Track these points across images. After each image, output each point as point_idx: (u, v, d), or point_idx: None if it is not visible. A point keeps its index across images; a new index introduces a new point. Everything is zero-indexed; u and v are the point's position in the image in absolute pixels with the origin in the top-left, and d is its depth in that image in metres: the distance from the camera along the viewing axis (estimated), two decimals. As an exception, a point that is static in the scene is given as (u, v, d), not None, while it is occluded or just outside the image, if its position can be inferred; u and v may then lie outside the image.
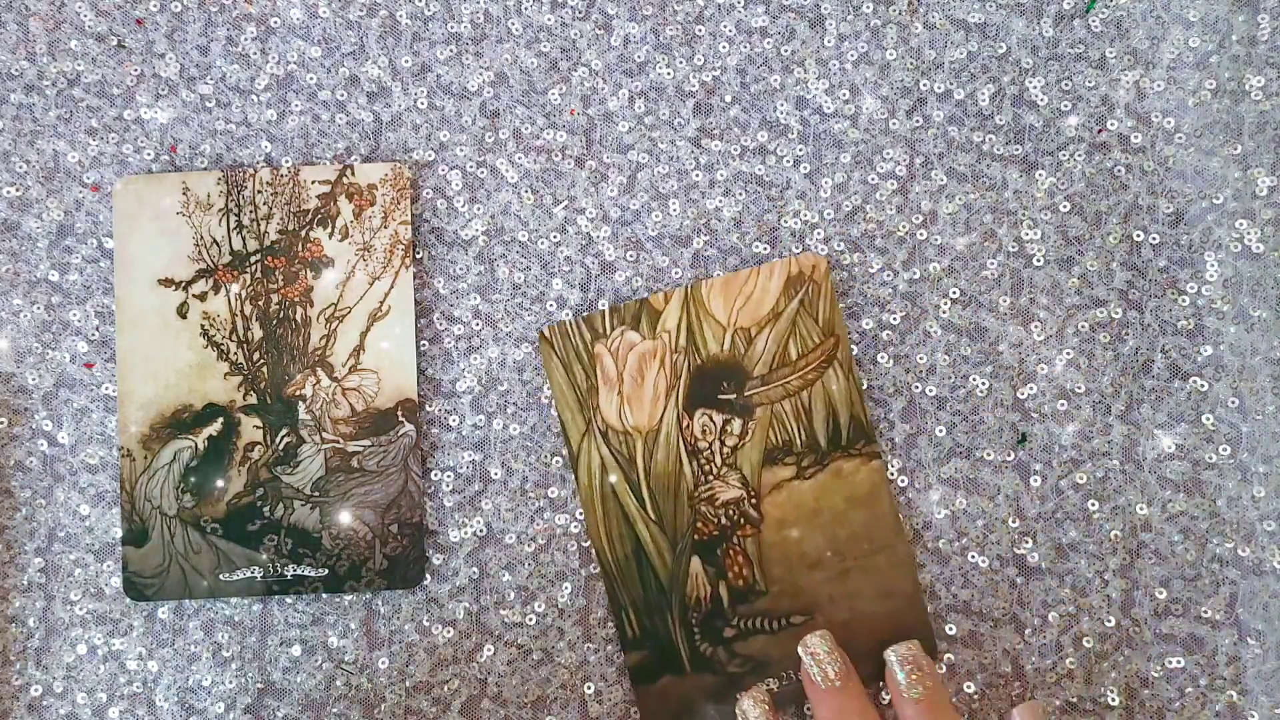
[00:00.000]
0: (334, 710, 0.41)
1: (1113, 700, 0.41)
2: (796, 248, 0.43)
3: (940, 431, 0.42)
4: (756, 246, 0.43)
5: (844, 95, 0.43)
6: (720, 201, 0.43)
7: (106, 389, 0.42)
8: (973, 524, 0.42)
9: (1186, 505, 0.42)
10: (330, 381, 0.41)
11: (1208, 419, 0.42)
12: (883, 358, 0.42)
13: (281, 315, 0.41)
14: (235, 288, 0.41)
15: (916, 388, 0.42)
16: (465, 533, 0.42)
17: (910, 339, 0.42)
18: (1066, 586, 0.42)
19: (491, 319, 0.42)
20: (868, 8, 0.43)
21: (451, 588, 0.42)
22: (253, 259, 0.42)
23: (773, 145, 0.43)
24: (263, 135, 0.43)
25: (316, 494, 0.41)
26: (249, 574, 0.41)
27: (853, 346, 0.42)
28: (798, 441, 0.41)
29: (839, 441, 0.41)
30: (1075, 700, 0.41)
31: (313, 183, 0.42)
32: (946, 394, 0.42)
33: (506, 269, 0.43)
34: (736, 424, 0.41)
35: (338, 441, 0.41)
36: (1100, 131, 0.43)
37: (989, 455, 0.42)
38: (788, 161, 0.43)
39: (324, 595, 0.42)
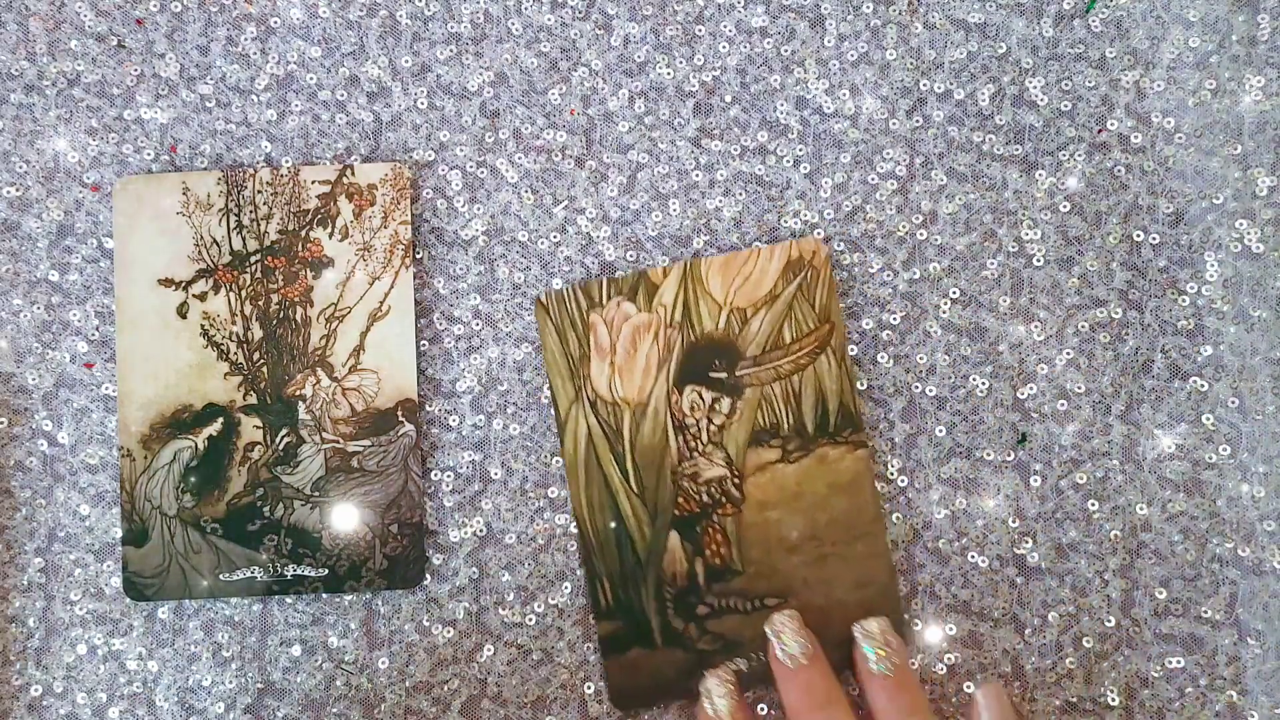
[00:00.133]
0: (334, 710, 0.41)
1: (1113, 700, 0.41)
2: (796, 248, 0.43)
3: (940, 431, 0.42)
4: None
5: (844, 95, 0.43)
6: (720, 201, 0.43)
7: (106, 389, 0.42)
8: (973, 524, 0.42)
9: (1186, 505, 0.42)
10: (330, 381, 0.41)
11: (1208, 419, 0.42)
12: (883, 358, 0.42)
13: (281, 315, 0.41)
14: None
15: (916, 388, 0.42)
16: (465, 533, 0.42)
17: (910, 339, 0.42)
18: (1066, 586, 0.42)
19: (491, 319, 0.42)
20: (868, 8, 0.43)
21: (451, 588, 0.42)
22: (253, 259, 0.42)
23: (773, 145, 0.43)
24: (263, 135, 0.43)
25: (316, 494, 0.41)
26: (249, 574, 0.41)
27: (853, 347, 0.42)
28: (785, 425, 0.41)
29: (826, 428, 0.41)
30: (1075, 700, 0.41)
31: (313, 183, 0.42)
32: (946, 394, 0.42)
33: (506, 269, 0.43)
34: (725, 403, 0.41)
35: (338, 441, 0.41)
36: (1100, 131, 0.43)
37: (989, 455, 0.42)
38: (788, 161, 0.43)
39: (324, 595, 0.42)
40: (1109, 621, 0.42)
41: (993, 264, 0.43)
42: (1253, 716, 0.41)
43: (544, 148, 0.43)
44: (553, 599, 0.42)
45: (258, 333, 0.41)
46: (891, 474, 0.42)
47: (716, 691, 0.39)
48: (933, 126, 0.43)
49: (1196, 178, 0.42)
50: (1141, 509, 0.42)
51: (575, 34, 0.43)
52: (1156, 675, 0.41)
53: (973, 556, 0.42)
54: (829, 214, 0.43)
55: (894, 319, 0.43)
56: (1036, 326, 0.42)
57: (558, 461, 0.42)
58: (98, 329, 0.42)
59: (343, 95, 0.43)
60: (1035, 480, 0.42)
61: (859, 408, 0.41)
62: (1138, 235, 0.42)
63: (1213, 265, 0.42)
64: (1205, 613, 0.41)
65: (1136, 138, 0.43)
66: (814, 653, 0.39)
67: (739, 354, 0.41)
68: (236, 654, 0.41)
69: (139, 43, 0.43)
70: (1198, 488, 0.42)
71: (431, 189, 0.43)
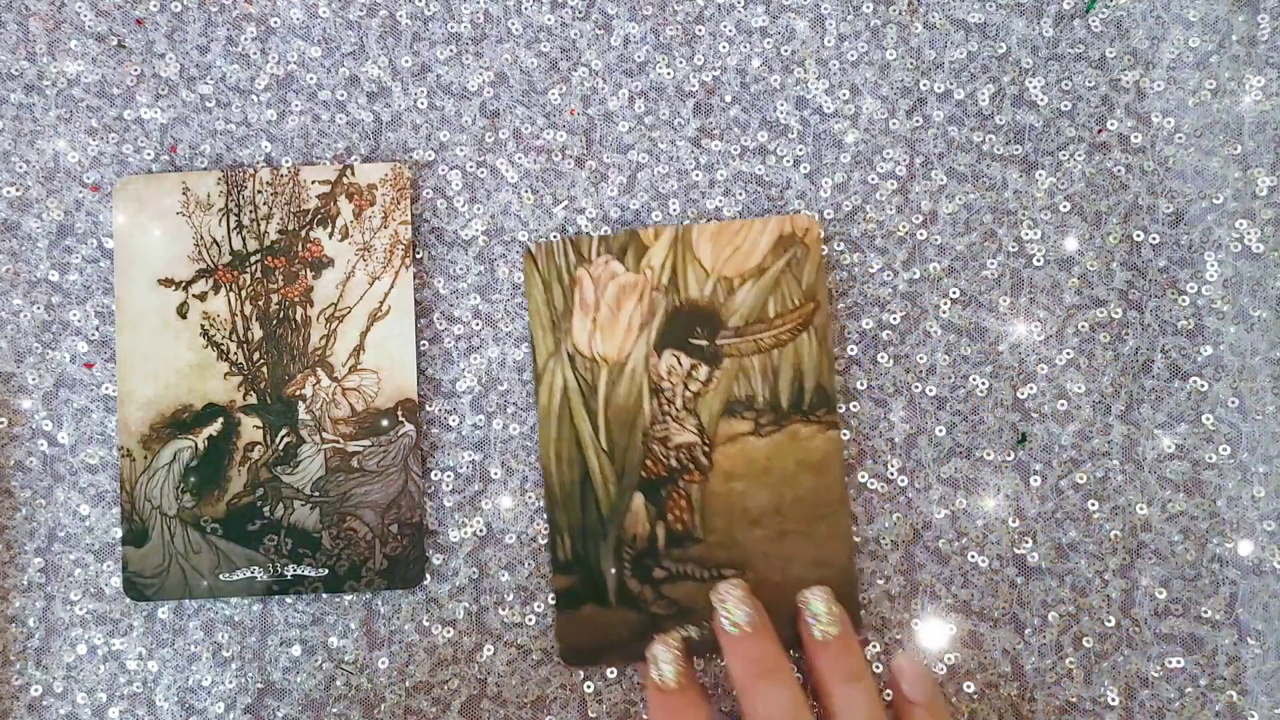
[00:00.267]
0: (334, 710, 0.41)
1: (1113, 700, 0.41)
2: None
3: (940, 431, 0.42)
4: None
5: (844, 95, 0.43)
6: (720, 201, 0.43)
7: (106, 389, 0.42)
8: (973, 524, 0.42)
9: (1186, 505, 0.42)
10: (330, 381, 0.41)
11: (1208, 419, 0.42)
12: (883, 358, 0.42)
13: (281, 315, 0.41)
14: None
15: (916, 388, 0.42)
16: (465, 533, 0.42)
17: (910, 339, 0.42)
18: (1066, 586, 0.42)
19: (491, 319, 0.42)
20: (868, 8, 0.43)
21: (451, 588, 0.42)
22: (253, 259, 0.42)
23: (773, 145, 0.43)
24: (263, 135, 0.43)
25: (316, 494, 0.41)
26: (249, 574, 0.41)
27: (853, 347, 0.42)
28: (760, 398, 0.41)
29: (800, 405, 0.41)
30: (1075, 700, 0.41)
31: (313, 183, 0.42)
32: (946, 394, 0.42)
33: (506, 269, 0.43)
34: (703, 370, 0.41)
35: (338, 441, 0.41)
36: (1100, 131, 0.43)
37: (989, 455, 0.42)
38: (788, 161, 0.43)
39: (324, 595, 0.42)
40: (1109, 621, 0.42)
41: (993, 264, 0.43)
42: (1253, 716, 0.41)
43: (544, 148, 0.43)
44: (553, 599, 0.42)
45: (258, 333, 0.41)
46: (891, 474, 0.42)
47: (663, 658, 0.39)
48: (933, 126, 0.43)
49: (1196, 178, 0.42)
50: (1141, 509, 0.42)
51: (575, 34, 0.43)
52: (1156, 675, 0.41)
53: (973, 556, 0.42)
54: (829, 214, 0.43)
55: (894, 319, 0.43)
56: (1036, 326, 0.42)
57: (558, 461, 0.42)
58: (98, 329, 0.42)
59: (343, 95, 0.43)
60: (1035, 480, 0.42)
61: (835, 388, 0.41)
62: (1138, 235, 0.42)
63: (1213, 265, 0.42)
64: (1205, 613, 0.41)
65: (1136, 138, 0.43)
66: (759, 622, 0.39)
67: (721, 323, 0.41)
68: (236, 654, 0.41)
69: (139, 43, 0.43)
70: (1198, 488, 0.42)
71: (431, 189, 0.43)
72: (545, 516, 0.41)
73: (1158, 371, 0.42)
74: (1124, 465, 0.42)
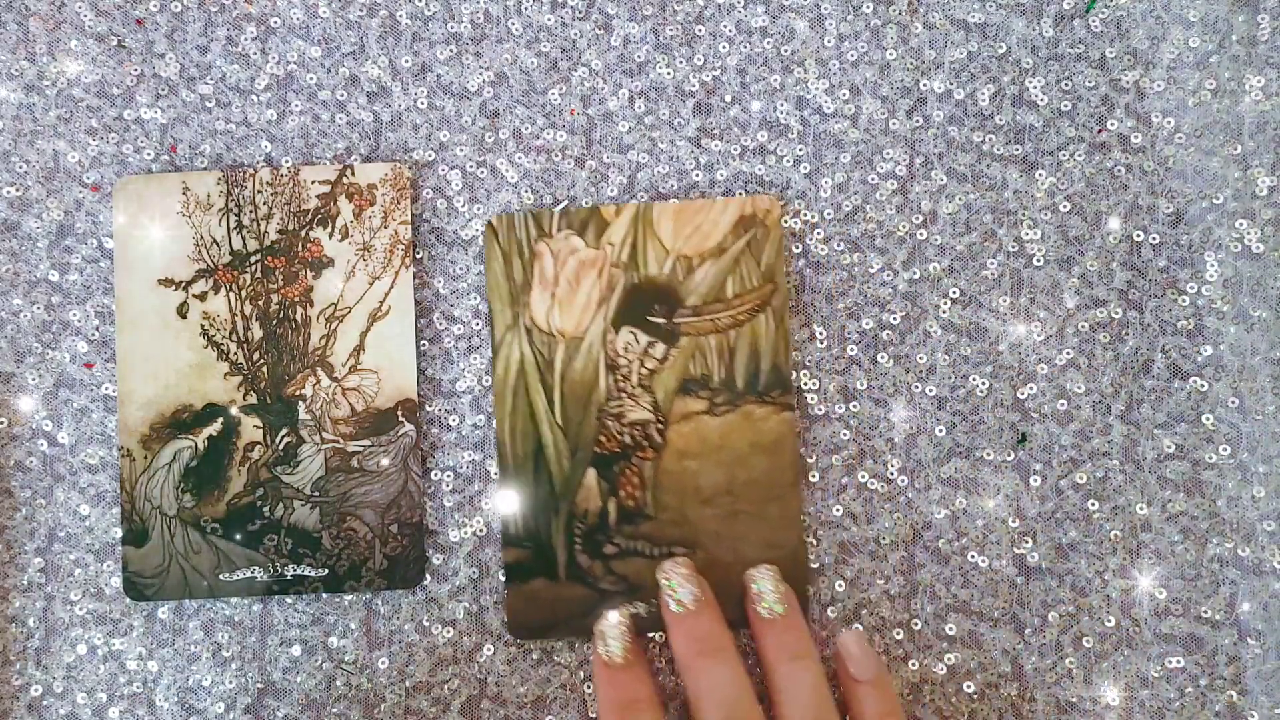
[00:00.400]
0: (334, 710, 0.41)
1: (1112, 700, 0.41)
2: (797, 247, 0.43)
3: (940, 431, 0.42)
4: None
5: (844, 95, 0.43)
6: (720, 201, 0.43)
7: (106, 389, 0.42)
8: (973, 524, 0.42)
9: (1186, 505, 0.42)
10: (330, 381, 0.41)
11: (1208, 419, 0.42)
12: (883, 358, 0.42)
13: (281, 315, 0.41)
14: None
15: (916, 388, 0.42)
16: (465, 533, 0.42)
17: (910, 339, 0.42)
18: (1066, 586, 0.42)
19: (492, 319, 0.42)
20: (868, 8, 0.43)
21: (451, 588, 0.42)
22: (253, 259, 0.42)
23: (773, 145, 0.43)
24: (263, 135, 0.43)
25: (316, 494, 0.41)
26: (249, 574, 0.41)
27: (853, 347, 0.42)
28: (715, 378, 0.41)
29: (755, 386, 0.41)
30: (1075, 700, 0.41)
31: (313, 183, 0.42)
32: (946, 394, 0.42)
33: (506, 269, 0.43)
34: (660, 348, 0.41)
35: (338, 441, 0.41)
36: (1100, 131, 0.43)
37: (989, 455, 0.42)
38: (788, 161, 0.43)
39: (324, 595, 0.42)
40: (1109, 621, 0.42)
41: (993, 264, 0.43)
42: (1253, 716, 0.41)
43: (544, 148, 0.43)
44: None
45: (258, 333, 0.41)
46: (891, 474, 0.42)
47: (610, 634, 0.39)
48: (933, 126, 0.43)
49: (1196, 178, 0.42)
50: (1141, 509, 0.42)
51: (575, 34, 0.43)
52: (1156, 675, 0.41)
53: (973, 556, 0.42)
54: (829, 214, 0.43)
55: (894, 319, 0.43)
56: (1036, 326, 0.42)
57: (558, 461, 0.42)
58: (98, 329, 0.42)
59: (343, 95, 0.43)
60: (1035, 480, 0.42)
61: (791, 370, 0.41)
62: (1138, 235, 0.42)
63: (1213, 265, 0.42)
64: (1205, 613, 0.41)
65: (1136, 138, 0.43)
66: (704, 600, 0.39)
67: (679, 302, 0.41)
68: (236, 654, 0.41)
69: (139, 43, 0.43)
70: (1198, 488, 0.42)
71: (431, 189, 0.43)
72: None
73: (1158, 371, 0.42)
74: (1124, 465, 0.42)
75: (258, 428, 0.41)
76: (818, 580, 0.42)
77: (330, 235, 0.42)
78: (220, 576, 0.41)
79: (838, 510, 0.42)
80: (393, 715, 0.41)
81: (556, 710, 0.41)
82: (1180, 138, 0.42)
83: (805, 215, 0.43)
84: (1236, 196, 0.42)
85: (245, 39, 0.43)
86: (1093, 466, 0.42)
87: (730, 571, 0.40)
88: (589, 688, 0.41)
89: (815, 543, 0.42)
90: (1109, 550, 0.42)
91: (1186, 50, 0.43)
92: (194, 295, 0.41)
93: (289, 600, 0.42)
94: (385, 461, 0.41)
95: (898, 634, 0.42)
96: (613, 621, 0.39)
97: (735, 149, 0.43)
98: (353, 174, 0.42)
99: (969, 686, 0.42)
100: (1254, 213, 0.42)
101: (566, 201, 0.42)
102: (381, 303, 0.42)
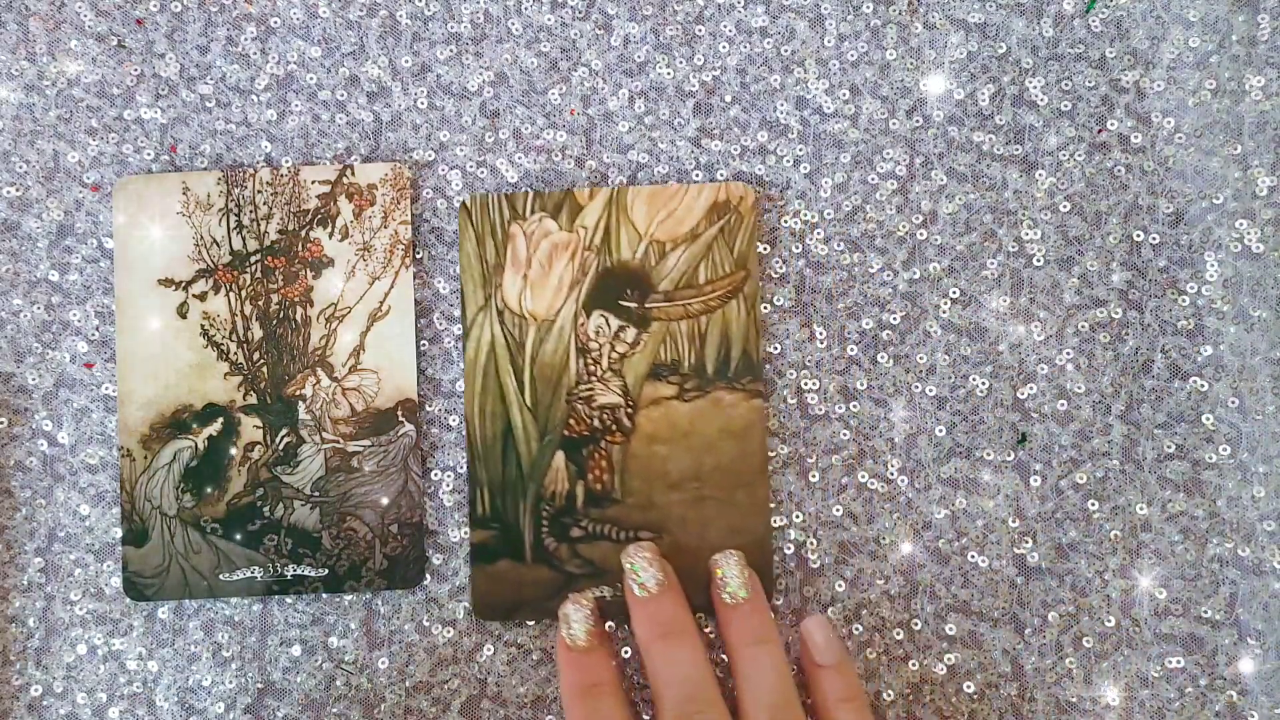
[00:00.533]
0: (334, 710, 0.41)
1: (1112, 700, 0.41)
2: (797, 247, 0.43)
3: (940, 431, 0.42)
4: (757, 246, 0.43)
5: (844, 95, 0.43)
6: (720, 201, 0.43)
7: (106, 389, 0.42)
8: (973, 524, 0.42)
9: (1186, 505, 0.42)
10: (330, 381, 0.41)
11: (1208, 419, 0.42)
12: (883, 358, 0.42)
13: (281, 315, 0.41)
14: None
15: (916, 388, 0.42)
16: (465, 532, 0.42)
17: (910, 339, 0.42)
18: (1066, 586, 0.42)
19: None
20: (868, 8, 0.43)
21: (451, 588, 0.42)
22: (253, 259, 0.42)
23: (773, 145, 0.43)
24: (263, 135, 0.43)
25: (316, 494, 0.41)
26: (249, 574, 0.41)
27: (852, 347, 0.42)
28: (685, 363, 0.41)
29: (725, 372, 0.41)
30: (1075, 700, 0.41)
31: (313, 183, 0.42)
32: (946, 394, 0.42)
33: (506, 269, 0.43)
34: (630, 333, 0.41)
35: (338, 441, 0.41)
36: (1100, 131, 0.43)
37: (989, 455, 0.42)
38: (788, 161, 0.43)
39: (324, 595, 0.42)
40: (1109, 621, 0.42)
41: (993, 264, 0.43)
42: (1253, 716, 0.41)
43: (544, 148, 0.43)
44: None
45: (258, 333, 0.41)
46: (891, 474, 0.42)
47: (574, 617, 0.39)
48: (933, 126, 0.43)
49: (1196, 178, 0.42)
50: (1141, 509, 0.42)
51: (575, 34, 0.43)
52: (1156, 675, 0.41)
53: (973, 556, 0.42)
54: (829, 214, 0.43)
55: (894, 319, 0.43)
56: (1036, 326, 0.42)
57: (558, 461, 0.42)
58: (98, 329, 0.42)
59: (343, 95, 0.43)
60: (1035, 480, 0.42)
61: (761, 358, 0.41)
62: (1138, 235, 0.42)
63: (1213, 265, 0.42)
64: (1205, 613, 0.41)
65: (1136, 138, 0.43)
66: (667, 584, 0.39)
67: (651, 286, 0.41)
68: (236, 654, 0.41)
69: (139, 43, 0.43)
70: (1198, 488, 0.42)
71: (431, 189, 0.43)
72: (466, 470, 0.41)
73: (1158, 371, 0.42)
74: (1124, 465, 0.42)
75: (258, 428, 0.41)
76: (818, 580, 0.42)
77: (330, 235, 0.42)
78: (220, 576, 0.41)
79: (838, 510, 0.42)
80: (393, 715, 0.41)
81: (556, 710, 0.41)
82: (1180, 138, 0.42)
83: (805, 215, 0.43)
84: (1236, 196, 0.42)
85: (245, 39, 0.43)
86: (1093, 466, 0.42)
87: (696, 557, 0.41)
88: (589, 688, 0.41)
89: (815, 543, 0.42)
90: (1109, 550, 0.42)
91: (1186, 50, 0.43)
92: (194, 295, 0.41)
93: (289, 600, 0.42)
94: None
95: (898, 634, 0.42)
96: (577, 604, 0.39)
97: (735, 149, 0.43)
98: (353, 174, 0.42)
99: (969, 686, 0.42)
100: (1254, 213, 0.42)
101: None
102: (381, 303, 0.42)
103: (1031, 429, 0.42)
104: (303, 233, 0.42)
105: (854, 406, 0.42)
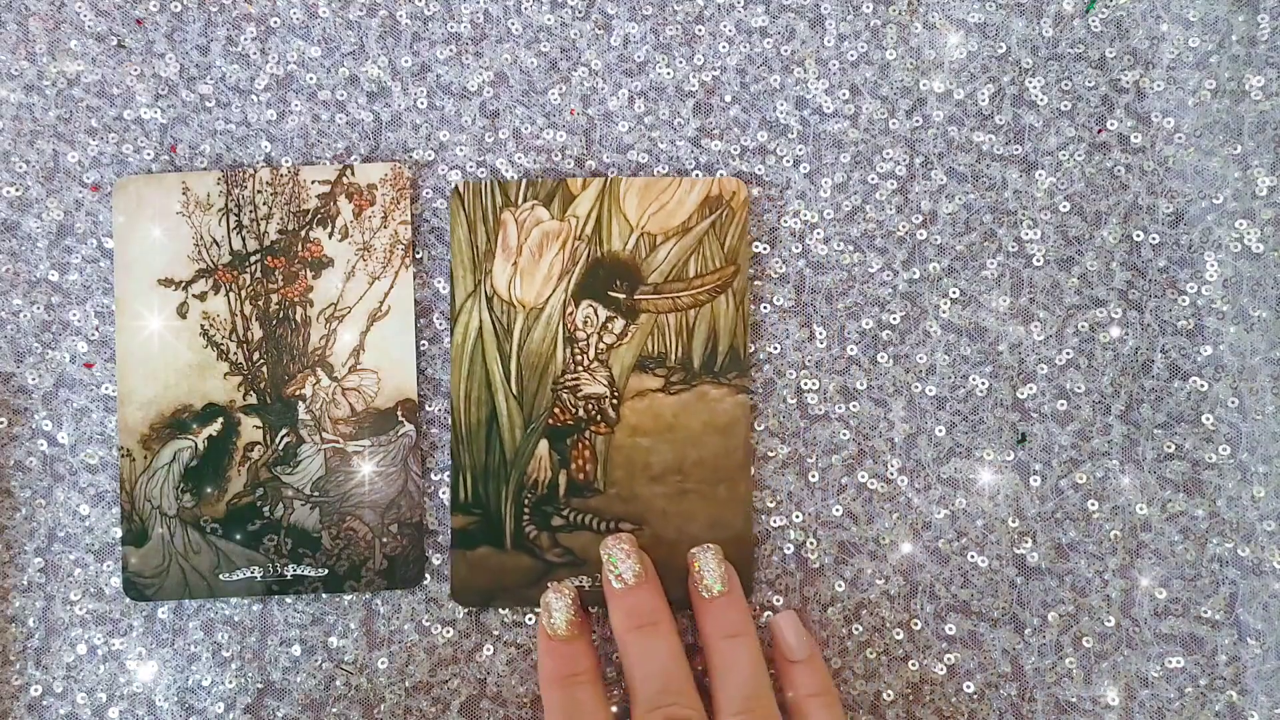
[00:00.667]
0: (334, 710, 0.41)
1: (1112, 700, 0.41)
2: (797, 247, 0.43)
3: (940, 431, 0.42)
4: (757, 246, 0.43)
5: (844, 95, 0.43)
6: (720, 201, 0.43)
7: (106, 389, 0.42)
8: (972, 524, 0.42)
9: (1186, 505, 0.42)
10: (330, 381, 0.41)
11: (1208, 419, 0.42)
12: (883, 358, 0.42)
13: (281, 315, 0.41)
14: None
15: (916, 388, 0.42)
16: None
17: (910, 339, 0.42)
18: (1066, 586, 0.42)
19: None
20: (868, 8, 0.43)
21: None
22: (253, 259, 0.42)
23: (772, 145, 0.43)
24: (263, 135, 0.43)
25: (316, 494, 0.41)
26: (249, 574, 0.41)
27: (852, 347, 0.42)
28: (672, 356, 0.41)
29: (712, 367, 0.41)
30: (1075, 700, 0.41)
31: (313, 183, 0.42)
32: (946, 394, 0.42)
33: (506, 269, 0.43)
34: (618, 324, 0.41)
35: (338, 441, 0.41)
36: (1100, 131, 0.43)
37: (989, 455, 0.42)
38: (788, 161, 0.43)
39: (324, 595, 0.42)
40: (1109, 621, 0.42)
41: (993, 264, 0.43)
42: (1253, 716, 0.41)
43: (544, 148, 0.43)
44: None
45: (258, 333, 0.41)
46: (891, 474, 0.42)
47: (555, 606, 0.39)
48: (933, 126, 0.43)
49: (1196, 178, 0.42)
50: (1141, 509, 0.42)
51: (575, 34, 0.43)
52: (1156, 675, 0.41)
53: (973, 556, 0.42)
54: (829, 214, 0.43)
55: (894, 319, 0.43)
56: (1036, 326, 0.42)
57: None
58: (98, 329, 0.42)
59: (343, 95, 0.43)
60: (1035, 480, 0.42)
61: (748, 353, 0.41)
62: (1138, 235, 0.42)
63: (1213, 265, 0.42)
64: (1205, 613, 0.41)
65: (1136, 138, 0.43)
66: (645, 575, 0.39)
67: (641, 278, 0.41)
68: (236, 654, 0.41)
69: (139, 43, 0.43)
70: (1198, 488, 0.42)
71: (431, 189, 0.43)
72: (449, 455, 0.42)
73: (1158, 371, 0.42)
74: (1124, 465, 0.42)
75: (258, 428, 0.41)
76: (818, 580, 0.42)
77: (330, 235, 0.42)
78: (220, 576, 0.41)
79: (838, 510, 0.42)
80: (393, 715, 0.41)
81: (556, 710, 0.41)
82: (1180, 138, 0.42)
83: (805, 215, 0.43)
84: (1236, 196, 0.42)
85: (245, 39, 0.43)
86: (1093, 466, 0.42)
87: (676, 549, 0.41)
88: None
89: (815, 543, 0.42)
90: (1109, 550, 0.42)
91: (1186, 50, 0.43)
92: (194, 295, 0.41)
93: (289, 600, 0.42)
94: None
95: (898, 634, 0.42)
96: (558, 593, 0.39)
97: (735, 149, 0.43)
98: (353, 174, 0.42)
99: (969, 686, 0.42)
100: (1254, 213, 0.42)
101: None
102: (381, 303, 0.42)
103: (1031, 429, 0.42)
104: (303, 233, 0.42)
105: (854, 406, 0.42)
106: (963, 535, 0.42)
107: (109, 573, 0.42)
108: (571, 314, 0.41)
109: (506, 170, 0.43)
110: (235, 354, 0.41)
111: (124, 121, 0.43)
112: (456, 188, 0.42)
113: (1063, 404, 0.42)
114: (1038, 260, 0.43)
